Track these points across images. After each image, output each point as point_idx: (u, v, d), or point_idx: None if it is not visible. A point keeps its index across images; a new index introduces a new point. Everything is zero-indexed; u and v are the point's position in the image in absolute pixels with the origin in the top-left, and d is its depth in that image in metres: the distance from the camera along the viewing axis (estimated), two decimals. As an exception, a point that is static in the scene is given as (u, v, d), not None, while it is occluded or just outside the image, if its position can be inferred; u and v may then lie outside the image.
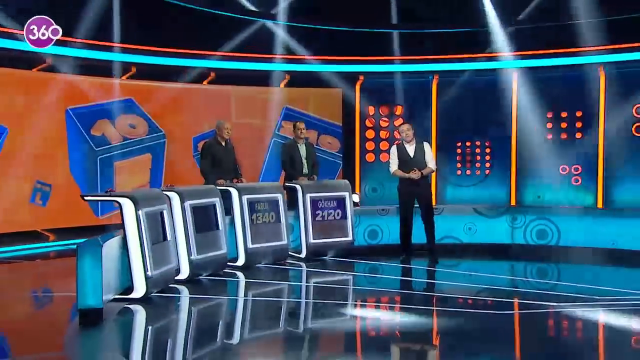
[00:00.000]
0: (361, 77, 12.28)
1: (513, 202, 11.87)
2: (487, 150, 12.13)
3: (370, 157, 12.45)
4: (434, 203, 10.14)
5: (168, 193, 7.56)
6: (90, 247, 5.93)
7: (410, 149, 8.74)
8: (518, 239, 9.55)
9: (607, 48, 11.04)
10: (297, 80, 12.12)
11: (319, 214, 8.97)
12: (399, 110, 12.40)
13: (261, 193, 8.57)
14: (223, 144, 8.99)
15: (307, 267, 8.68)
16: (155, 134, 11.13)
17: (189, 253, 7.58)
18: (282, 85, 12.18)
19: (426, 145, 8.83)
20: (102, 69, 10.45)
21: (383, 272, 8.69)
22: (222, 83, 11.69)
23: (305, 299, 7.38)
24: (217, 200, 8.04)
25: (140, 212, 6.67)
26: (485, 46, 11.73)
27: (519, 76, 11.80)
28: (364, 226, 9.61)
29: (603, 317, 6.44)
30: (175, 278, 7.48)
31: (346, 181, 9.47)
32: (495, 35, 11.59)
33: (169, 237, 7.24)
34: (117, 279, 6.62)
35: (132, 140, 10.94)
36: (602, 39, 10.90)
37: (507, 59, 11.81)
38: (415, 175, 8.55)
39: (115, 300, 6.57)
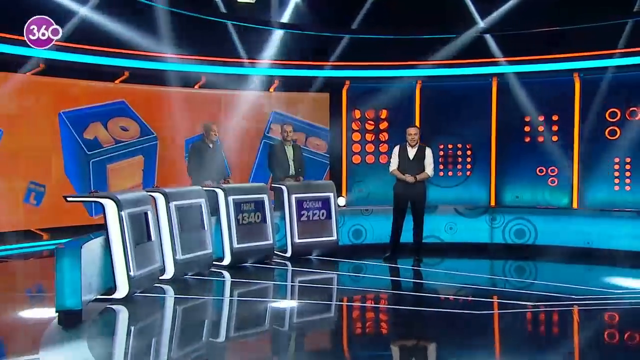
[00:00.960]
0: (347, 82, 11.90)
1: (493, 203, 11.55)
2: (468, 153, 11.78)
3: (356, 159, 12.10)
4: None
5: (153, 194, 7.26)
6: (69, 249, 5.57)
7: (411, 152, 8.50)
8: (497, 239, 9.36)
9: (582, 55, 10.70)
10: (286, 84, 11.74)
11: (304, 214, 8.69)
12: (384, 114, 12.01)
13: (247, 194, 8.29)
14: (211, 145, 8.70)
15: (292, 267, 8.38)
16: (147, 137, 10.73)
17: (174, 253, 7.26)
18: (271, 89, 11.82)
19: (428, 150, 8.56)
20: (95, 73, 10.02)
21: (367, 271, 8.44)
22: (213, 87, 11.28)
23: (291, 298, 7.03)
24: (202, 201, 7.74)
25: (123, 213, 6.33)
26: (467, 52, 11.32)
27: (498, 81, 11.45)
28: (348, 226, 9.38)
29: (578, 315, 6.13)
30: (160, 278, 7.16)
31: (331, 182, 9.20)
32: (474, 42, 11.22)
33: (153, 238, 6.90)
34: (99, 280, 6.28)
35: (124, 142, 10.52)
36: (577, 46, 10.59)
37: (488, 65, 11.44)
38: (409, 179, 8.28)
39: (97, 300, 6.22)
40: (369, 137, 12.05)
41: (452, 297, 6.95)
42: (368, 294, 7.20)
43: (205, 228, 7.69)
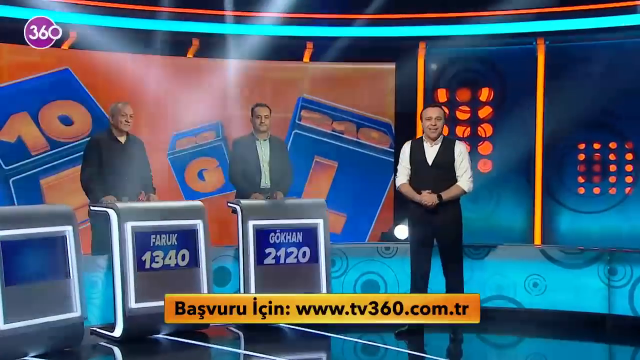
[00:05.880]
0: (423, 45, 9.73)
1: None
2: (628, 157, 9.57)
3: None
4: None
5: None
6: None
7: (431, 151, 6.42)
8: (619, 307, 7.06)
9: None
10: (325, 51, 9.63)
11: (270, 253, 6.60)
12: (484, 94, 9.76)
13: (163, 218, 6.28)
14: (121, 139, 6.74)
15: (245, 345, 6.17)
16: (104, 130, 8.93)
17: (-9, 318, 5.28)
18: (306, 58, 9.77)
19: (459, 146, 6.52)
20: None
21: (380, 357, 6.08)
22: (212, 55, 9.43)
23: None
24: (67, 230, 5.87)
25: None
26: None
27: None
28: (354, 275, 7.29)
29: None
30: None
31: (321, 201, 6.92)
32: None
33: None
34: None
35: (66, 145, 8.69)
36: None
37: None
38: (428, 200, 6.27)
39: None
40: (460, 131, 9.88)
41: None
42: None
43: (71, 275, 5.80)
